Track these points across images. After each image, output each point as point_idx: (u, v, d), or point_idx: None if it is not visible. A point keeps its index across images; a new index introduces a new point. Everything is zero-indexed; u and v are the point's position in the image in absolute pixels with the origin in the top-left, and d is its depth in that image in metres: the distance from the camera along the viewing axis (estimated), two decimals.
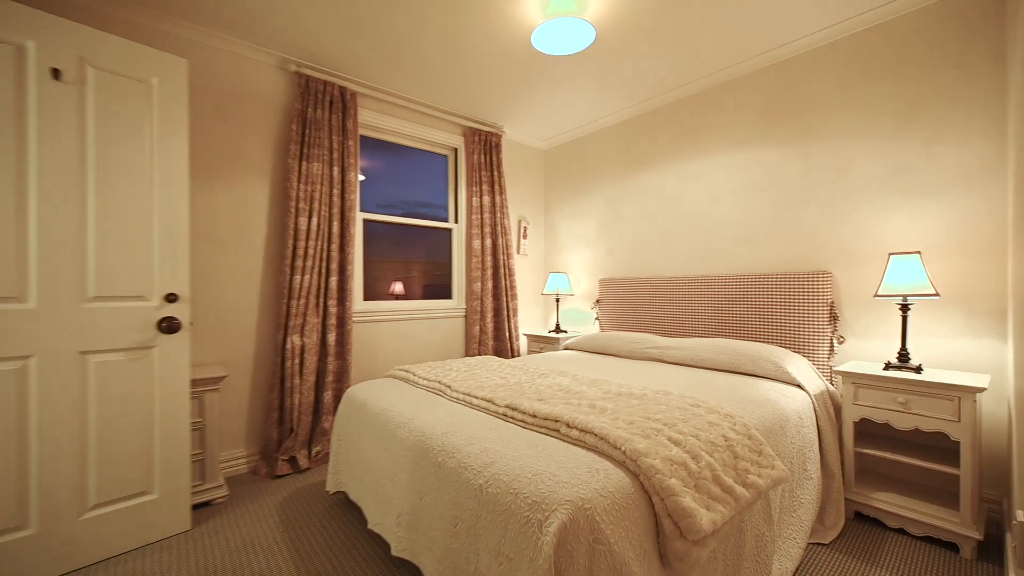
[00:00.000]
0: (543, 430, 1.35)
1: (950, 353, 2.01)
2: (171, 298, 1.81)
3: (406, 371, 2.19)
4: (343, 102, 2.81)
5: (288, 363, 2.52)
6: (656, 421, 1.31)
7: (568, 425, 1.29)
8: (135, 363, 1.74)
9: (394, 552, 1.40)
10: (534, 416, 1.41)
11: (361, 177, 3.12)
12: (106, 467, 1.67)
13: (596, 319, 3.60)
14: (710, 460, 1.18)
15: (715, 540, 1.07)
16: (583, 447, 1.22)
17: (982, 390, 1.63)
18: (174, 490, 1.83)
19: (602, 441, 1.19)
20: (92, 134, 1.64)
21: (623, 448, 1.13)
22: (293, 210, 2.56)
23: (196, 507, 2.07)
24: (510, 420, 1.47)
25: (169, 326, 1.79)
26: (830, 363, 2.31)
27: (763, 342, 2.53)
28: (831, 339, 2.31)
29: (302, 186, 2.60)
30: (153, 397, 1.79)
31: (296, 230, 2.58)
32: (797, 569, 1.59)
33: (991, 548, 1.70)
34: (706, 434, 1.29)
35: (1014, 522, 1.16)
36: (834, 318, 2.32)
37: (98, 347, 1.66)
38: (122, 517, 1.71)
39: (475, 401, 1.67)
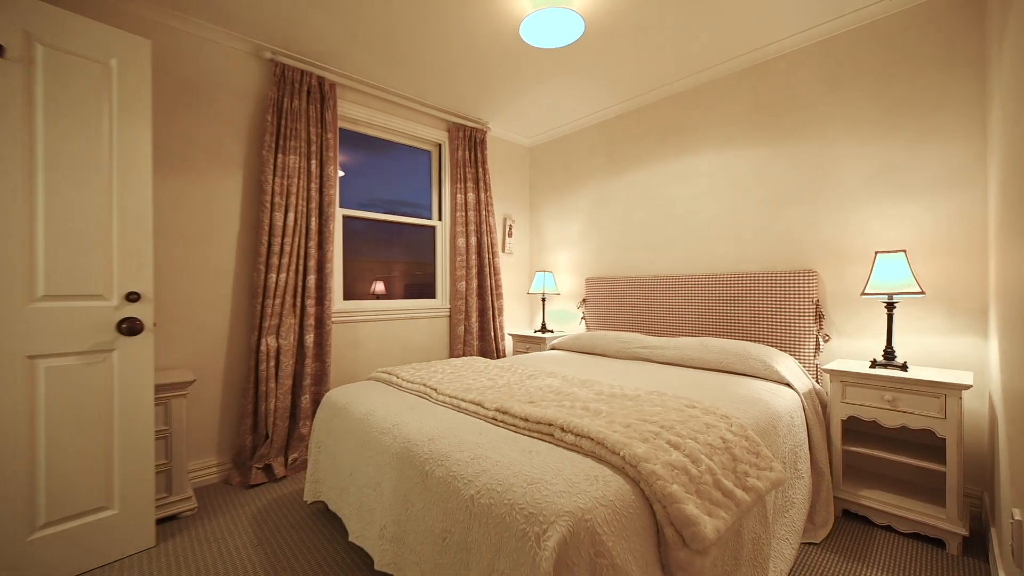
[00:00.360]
0: (536, 434, 1.29)
1: (932, 350, 2.04)
2: (132, 297, 1.68)
3: (389, 373, 2.10)
4: (321, 92, 2.69)
5: (263, 366, 2.39)
6: (653, 423, 1.26)
7: (563, 429, 1.23)
8: (91, 368, 1.60)
9: (377, 567, 1.31)
10: (526, 420, 1.35)
11: (340, 173, 3.00)
12: (58, 482, 1.53)
13: (582, 318, 3.57)
14: (710, 464, 1.14)
15: (717, 548, 1.03)
16: (579, 452, 1.16)
17: (968, 387, 1.64)
18: (136, 504, 1.70)
19: (599, 446, 1.13)
20: (41, 117, 1.49)
21: (622, 453, 1.08)
22: (268, 205, 2.43)
23: (161, 521, 1.93)
24: (500, 424, 1.40)
25: (130, 327, 1.65)
26: (816, 361, 2.32)
27: (750, 340, 2.53)
28: (817, 337, 2.32)
29: (278, 180, 2.47)
30: (112, 404, 1.65)
31: (272, 226, 2.45)
32: (791, 570, 1.57)
33: (976, 544, 1.72)
34: (704, 436, 1.25)
35: (1010, 520, 1.15)
36: (819, 316, 2.33)
37: (48, 351, 1.51)
38: (77, 535, 1.57)
39: (463, 404, 1.59)
